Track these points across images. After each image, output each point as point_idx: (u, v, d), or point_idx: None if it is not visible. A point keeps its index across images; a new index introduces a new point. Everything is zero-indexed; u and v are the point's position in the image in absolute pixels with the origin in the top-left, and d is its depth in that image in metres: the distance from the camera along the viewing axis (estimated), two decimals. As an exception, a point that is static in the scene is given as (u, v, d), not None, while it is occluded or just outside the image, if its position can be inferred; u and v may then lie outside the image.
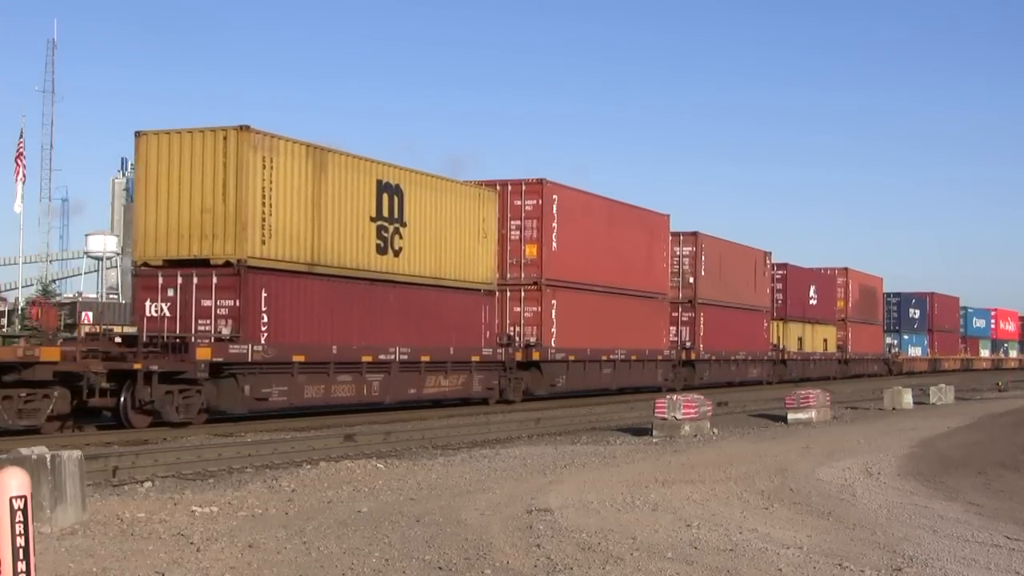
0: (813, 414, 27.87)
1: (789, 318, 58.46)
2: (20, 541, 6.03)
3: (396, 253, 28.43)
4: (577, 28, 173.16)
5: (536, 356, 34.24)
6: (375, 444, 20.63)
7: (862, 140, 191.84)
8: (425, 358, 29.32)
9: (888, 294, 79.40)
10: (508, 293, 34.51)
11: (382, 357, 27.77)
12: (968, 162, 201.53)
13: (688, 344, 46.08)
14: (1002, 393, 47.47)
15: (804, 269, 62.41)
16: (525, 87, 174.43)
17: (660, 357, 42.70)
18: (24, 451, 10.95)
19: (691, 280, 46.62)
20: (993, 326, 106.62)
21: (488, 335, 32.27)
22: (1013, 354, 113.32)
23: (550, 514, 11.88)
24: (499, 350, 32.67)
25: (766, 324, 55.02)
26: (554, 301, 35.19)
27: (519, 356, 33.63)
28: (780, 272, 58.18)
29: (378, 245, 27.86)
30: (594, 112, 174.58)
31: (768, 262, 55.60)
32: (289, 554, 9.73)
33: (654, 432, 22.63)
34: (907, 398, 33.87)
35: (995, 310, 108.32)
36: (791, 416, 27.71)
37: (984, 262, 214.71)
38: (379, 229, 27.88)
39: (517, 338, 34.27)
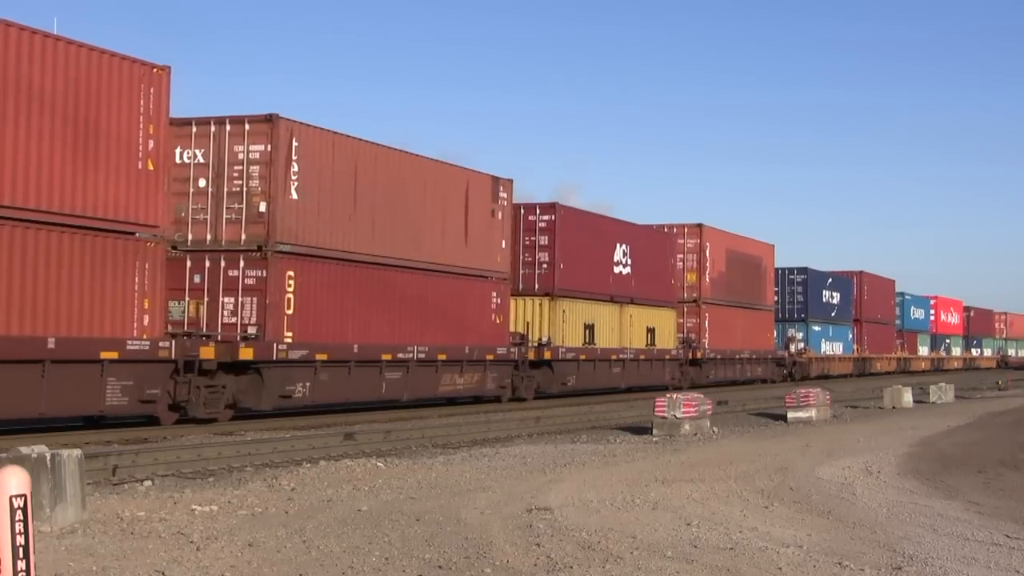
0: (813, 413, 27.96)
1: (562, 293, 36.65)
2: (20, 540, 6.04)
3: None
4: (575, 28, 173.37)
5: None
6: (375, 443, 20.63)
7: (814, 128, 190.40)
8: None
9: (787, 270, 60.69)
10: None
11: None
12: (910, 146, 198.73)
13: (252, 330, 24.32)
14: (1002, 392, 47.79)
15: (600, 218, 40.36)
16: (523, 86, 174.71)
17: (124, 354, 20.68)
18: (24, 450, 10.95)
19: (261, 209, 24.54)
20: (933, 317, 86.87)
21: None
22: (956, 352, 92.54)
23: (550, 513, 11.89)
24: None
25: (498, 301, 32.94)
26: None
27: None
28: (545, 218, 36.39)
29: None
30: (593, 112, 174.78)
31: (504, 198, 33.13)
32: (289, 553, 9.73)
33: (654, 431, 22.66)
34: (907, 397, 34.69)
35: (935, 298, 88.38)
36: (791, 415, 27.79)
37: (919, 245, 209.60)
38: None
39: None
